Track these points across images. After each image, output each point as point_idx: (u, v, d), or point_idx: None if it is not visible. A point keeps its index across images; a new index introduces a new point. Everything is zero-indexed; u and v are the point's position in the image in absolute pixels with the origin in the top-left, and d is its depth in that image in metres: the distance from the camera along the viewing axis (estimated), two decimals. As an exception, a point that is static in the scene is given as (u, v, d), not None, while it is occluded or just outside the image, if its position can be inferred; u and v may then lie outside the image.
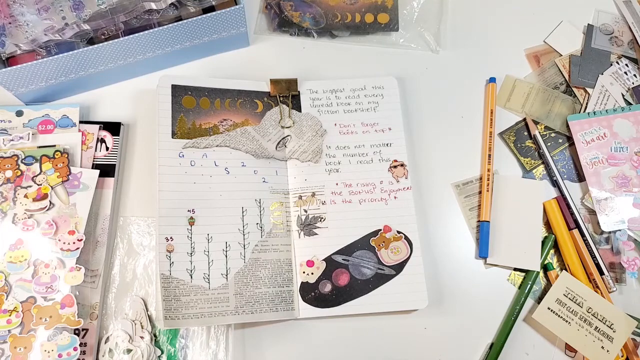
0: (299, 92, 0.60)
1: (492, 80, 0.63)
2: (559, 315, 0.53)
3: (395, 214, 0.56)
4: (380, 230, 0.56)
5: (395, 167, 0.58)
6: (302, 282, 0.54)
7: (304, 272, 0.54)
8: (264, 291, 0.53)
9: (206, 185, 0.55)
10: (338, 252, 0.55)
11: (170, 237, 0.52)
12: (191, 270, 0.52)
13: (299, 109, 0.60)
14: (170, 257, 0.51)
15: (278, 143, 0.58)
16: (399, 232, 0.56)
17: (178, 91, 0.57)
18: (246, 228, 0.54)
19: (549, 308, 0.53)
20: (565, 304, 0.53)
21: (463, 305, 0.55)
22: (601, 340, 0.52)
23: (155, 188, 0.53)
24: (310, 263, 0.54)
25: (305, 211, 0.56)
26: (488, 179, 0.58)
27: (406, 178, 0.58)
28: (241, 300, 0.52)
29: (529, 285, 0.55)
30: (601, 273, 0.55)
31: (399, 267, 0.54)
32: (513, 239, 0.57)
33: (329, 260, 0.54)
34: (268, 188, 0.56)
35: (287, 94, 0.60)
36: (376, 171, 0.58)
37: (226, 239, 0.54)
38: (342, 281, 0.54)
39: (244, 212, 0.55)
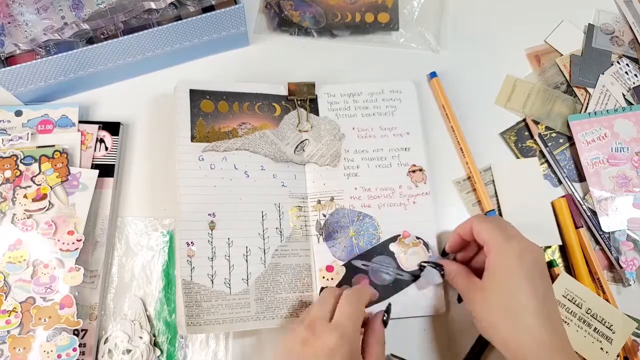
0: (316, 95, 0.60)
1: (433, 75, 0.62)
2: None
3: (414, 220, 0.56)
4: (400, 235, 0.55)
5: (413, 171, 0.58)
6: (321, 288, 0.53)
7: (323, 277, 0.53)
8: (285, 296, 0.52)
9: (226, 188, 0.54)
10: (358, 257, 0.54)
11: (191, 242, 0.51)
12: (212, 276, 0.51)
13: (316, 112, 0.60)
14: (191, 262, 0.51)
15: (296, 147, 0.57)
16: (417, 238, 0.55)
17: (196, 95, 0.57)
18: (266, 232, 0.54)
19: None
20: (564, 305, 0.53)
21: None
22: (600, 342, 0.52)
23: (176, 192, 0.52)
24: (330, 268, 0.54)
25: (324, 215, 0.56)
26: (472, 174, 0.59)
27: (425, 183, 0.57)
28: (262, 305, 0.51)
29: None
30: (616, 267, 0.56)
31: (418, 273, 0.54)
32: (526, 219, 0.56)
33: (348, 265, 0.54)
34: (287, 192, 0.56)
35: (305, 97, 0.59)
36: (395, 176, 0.57)
37: (246, 243, 0.53)
38: (362, 286, 0.53)
39: (264, 217, 0.54)
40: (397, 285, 0.53)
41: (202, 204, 0.53)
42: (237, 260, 0.52)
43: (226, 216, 0.53)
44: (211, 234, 0.52)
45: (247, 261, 0.52)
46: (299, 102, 0.59)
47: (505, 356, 0.44)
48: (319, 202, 0.56)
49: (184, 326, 0.48)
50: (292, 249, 0.54)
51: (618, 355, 0.53)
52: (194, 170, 0.54)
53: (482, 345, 0.53)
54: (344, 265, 0.54)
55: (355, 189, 0.57)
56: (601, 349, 0.52)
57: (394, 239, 0.55)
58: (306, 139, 0.58)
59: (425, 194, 0.57)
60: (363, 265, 0.54)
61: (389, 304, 0.50)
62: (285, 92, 0.60)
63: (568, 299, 0.53)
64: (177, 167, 0.53)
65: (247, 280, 0.52)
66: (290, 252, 0.54)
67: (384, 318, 0.48)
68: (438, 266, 0.51)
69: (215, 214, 0.53)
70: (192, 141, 0.55)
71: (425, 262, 0.53)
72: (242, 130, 0.57)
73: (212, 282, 0.51)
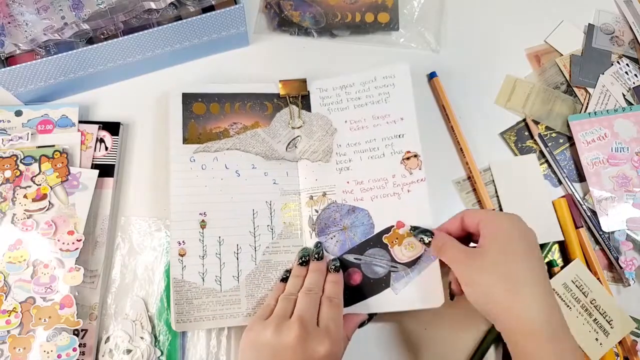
0: (308, 92, 0.60)
1: (433, 75, 0.62)
2: (561, 299, 0.53)
3: (409, 209, 0.55)
4: (393, 226, 0.54)
5: (407, 158, 0.56)
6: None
7: None
8: None
9: (217, 188, 0.55)
10: (349, 252, 0.54)
11: (183, 241, 0.52)
12: (203, 273, 0.52)
13: (308, 108, 0.59)
14: (182, 261, 0.52)
15: (288, 144, 0.58)
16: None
17: (189, 99, 0.57)
18: (257, 230, 0.54)
19: (554, 289, 0.53)
20: (571, 290, 0.53)
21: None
22: (597, 333, 0.52)
23: (168, 193, 0.54)
24: None
25: (317, 211, 0.56)
26: (472, 174, 0.59)
27: (420, 169, 0.56)
28: (252, 302, 0.52)
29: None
30: (616, 267, 0.56)
31: (413, 264, 0.53)
32: (527, 216, 0.56)
33: (340, 260, 0.54)
34: (279, 189, 0.56)
35: (296, 94, 0.59)
36: (388, 165, 0.56)
37: (237, 241, 0.54)
38: (355, 281, 0.53)
39: (255, 214, 0.55)
40: (390, 278, 0.53)
41: (193, 203, 0.54)
42: (227, 257, 0.53)
43: (217, 215, 0.54)
44: (202, 233, 0.53)
45: (237, 259, 0.53)
46: (290, 99, 0.59)
47: (500, 330, 0.43)
48: (311, 197, 0.56)
49: (174, 322, 0.50)
50: (283, 245, 0.54)
51: (618, 355, 0.53)
52: (186, 171, 0.55)
53: (485, 346, 0.53)
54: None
55: (348, 182, 0.56)
56: (596, 339, 0.52)
57: (387, 230, 0.54)
58: (298, 136, 0.58)
59: (420, 181, 0.55)
60: (355, 259, 0.54)
61: (374, 314, 0.52)
62: (277, 90, 0.60)
63: (576, 285, 0.53)
64: (169, 169, 0.55)
65: (238, 278, 0.53)
66: (282, 249, 0.54)
67: (365, 321, 0.51)
68: (428, 232, 0.50)
69: (206, 213, 0.54)
70: (184, 143, 0.56)
71: (415, 227, 0.52)
72: (233, 130, 0.57)
73: (203, 280, 0.52)
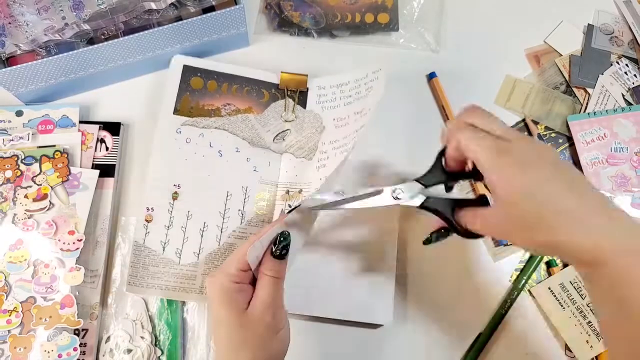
0: (307, 89, 0.60)
1: (433, 75, 0.62)
2: (556, 298, 0.53)
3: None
4: None
5: None
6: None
7: None
8: None
9: (197, 163, 0.56)
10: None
11: (151, 208, 0.53)
12: (165, 243, 0.53)
13: (304, 105, 0.60)
14: (147, 226, 0.53)
15: (277, 135, 0.58)
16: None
17: (188, 71, 0.58)
18: (227, 212, 0.55)
19: (549, 288, 0.54)
20: (567, 290, 0.54)
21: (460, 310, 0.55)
22: (589, 335, 0.52)
23: (149, 159, 0.55)
24: None
25: (290, 206, 0.55)
26: None
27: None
28: None
29: (533, 267, 0.55)
30: None
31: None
32: None
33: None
34: (257, 177, 0.56)
35: (295, 88, 0.60)
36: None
37: (205, 219, 0.54)
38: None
39: (228, 197, 0.55)
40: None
41: (170, 173, 0.55)
42: (192, 233, 0.54)
43: (190, 189, 0.55)
44: (172, 204, 0.54)
45: (202, 236, 0.54)
46: (288, 92, 0.60)
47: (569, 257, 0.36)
48: (287, 192, 0.56)
49: (125, 284, 0.51)
50: (250, 232, 0.55)
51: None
52: (170, 141, 0.56)
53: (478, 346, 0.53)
54: None
55: (320, 179, 0.55)
56: (587, 341, 0.52)
57: None
58: (288, 129, 0.58)
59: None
60: None
61: (279, 235, 0.43)
62: (277, 81, 0.60)
63: (574, 287, 0.54)
64: (155, 135, 0.56)
65: (198, 255, 0.53)
66: (248, 236, 0.54)
67: (273, 251, 0.42)
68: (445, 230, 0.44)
69: (180, 185, 0.55)
70: (174, 113, 0.57)
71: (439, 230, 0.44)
72: (225, 111, 0.58)
73: (164, 249, 0.53)
